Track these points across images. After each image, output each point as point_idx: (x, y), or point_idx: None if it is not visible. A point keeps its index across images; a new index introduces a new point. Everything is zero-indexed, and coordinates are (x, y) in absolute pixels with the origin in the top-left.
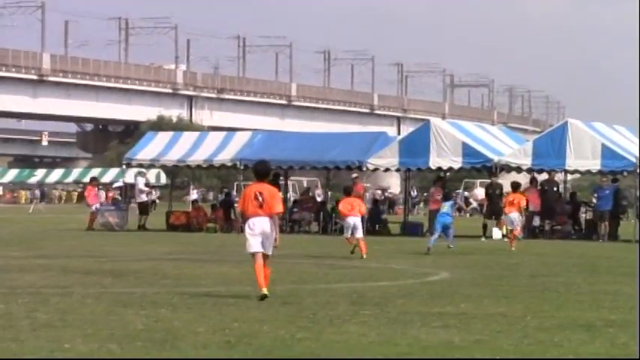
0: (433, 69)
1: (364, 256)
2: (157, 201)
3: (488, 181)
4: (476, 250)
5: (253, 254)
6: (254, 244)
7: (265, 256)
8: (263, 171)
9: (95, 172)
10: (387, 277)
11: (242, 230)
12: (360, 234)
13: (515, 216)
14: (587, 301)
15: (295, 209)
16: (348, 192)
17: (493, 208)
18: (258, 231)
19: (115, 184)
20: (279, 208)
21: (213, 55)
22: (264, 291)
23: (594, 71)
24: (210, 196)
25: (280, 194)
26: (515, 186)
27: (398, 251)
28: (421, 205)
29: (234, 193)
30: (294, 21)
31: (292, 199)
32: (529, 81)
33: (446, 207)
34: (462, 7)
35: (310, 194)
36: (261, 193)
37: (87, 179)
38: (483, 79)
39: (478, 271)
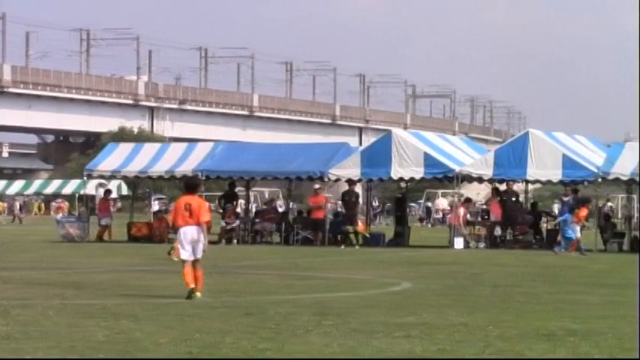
0: (395, 80)
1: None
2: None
3: (451, 191)
4: (438, 260)
5: (184, 261)
6: (185, 253)
7: (196, 260)
8: (192, 185)
9: (56, 183)
10: (349, 287)
11: (169, 240)
12: None
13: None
14: (548, 311)
15: (257, 220)
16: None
17: (349, 214)
18: (189, 239)
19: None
20: (207, 217)
21: (175, 66)
22: (193, 285)
23: (555, 82)
24: (172, 207)
25: (207, 204)
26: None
27: (360, 262)
28: (385, 214)
29: None
30: (256, 32)
31: (254, 209)
32: (491, 91)
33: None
34: (424, 19)
35: (272, 205)
36: (190, 205)
37: (48, 191)
38: (445, 89)
39: (440, 281)
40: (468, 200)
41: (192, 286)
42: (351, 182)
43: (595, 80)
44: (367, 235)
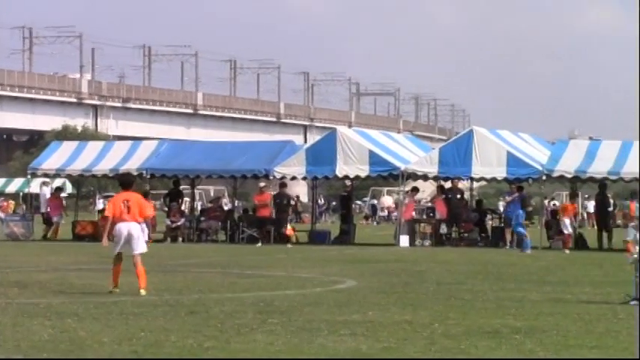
0: (339, 78)
1: None
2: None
3: (396, 189)
4: (383, 258)
5: (117, 255)
6: (118, 247)
7: (137, 255)
8: (127, 181)
9: None
10: (294, 285)
11: (102, 238)
12: None
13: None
14: (493, 308)
15: (202, 218)
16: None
17: (281, 217)
18: (125, 235)
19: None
20: (149, 211)
21: (119, 64)
22: (117, 290)
23: (499, 79)
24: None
25: (148, 202)
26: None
27: (305, 259)
28: (330, 212)
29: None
30: (199, 30)
31: (199, 208)
32: (435, 89)
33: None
34: (368, 16)
35: (218, 203)
36: (128, 201)
37: None
38: (389, 87)
39: (385, 279)
40: (415, 189)
41: (117, 290)
42: (282, 185)
43: (539, 78)
44: (293, 240)
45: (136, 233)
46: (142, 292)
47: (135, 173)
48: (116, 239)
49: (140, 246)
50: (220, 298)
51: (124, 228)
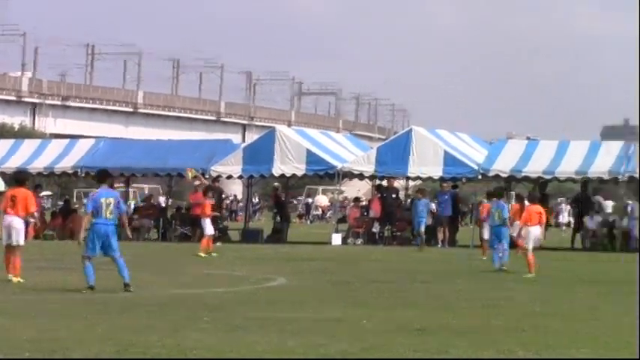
0: (282, 77)
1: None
2: None
3: (331, 187)
4: (315, 256)
5: (6, 245)
6: (5, 238)
7: (17, 247)
8: (19, 178)
9: None
10: (226, 283)
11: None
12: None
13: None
14: (422, 305)
15: (135, 216)
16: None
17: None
18: (11, 227)
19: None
20: (32, 208)
21: (62, 62)
22: (10, 277)
23: (442, 79)
24: (49, 203)
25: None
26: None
27: (238, 258)
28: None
29: (74, 200)
30: (143, 29)
31: (133, 206)
32: (375, 89)
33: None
34: (311, 16)
35: (152, 201)
36: (15, 197)
37: None
38: (331, 87)
39: (317, 277)
40: (357, 200)
41: (10, 276)
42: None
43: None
44: None
45: (17, 226)
46: (15, 279)
47: (70, 171)
48: (4, 232)
49: (19, 238)
50: (152, 295)
51: (7, 221)
